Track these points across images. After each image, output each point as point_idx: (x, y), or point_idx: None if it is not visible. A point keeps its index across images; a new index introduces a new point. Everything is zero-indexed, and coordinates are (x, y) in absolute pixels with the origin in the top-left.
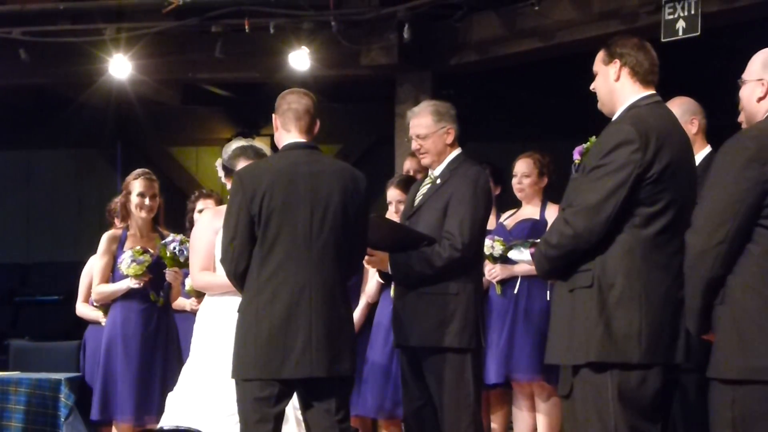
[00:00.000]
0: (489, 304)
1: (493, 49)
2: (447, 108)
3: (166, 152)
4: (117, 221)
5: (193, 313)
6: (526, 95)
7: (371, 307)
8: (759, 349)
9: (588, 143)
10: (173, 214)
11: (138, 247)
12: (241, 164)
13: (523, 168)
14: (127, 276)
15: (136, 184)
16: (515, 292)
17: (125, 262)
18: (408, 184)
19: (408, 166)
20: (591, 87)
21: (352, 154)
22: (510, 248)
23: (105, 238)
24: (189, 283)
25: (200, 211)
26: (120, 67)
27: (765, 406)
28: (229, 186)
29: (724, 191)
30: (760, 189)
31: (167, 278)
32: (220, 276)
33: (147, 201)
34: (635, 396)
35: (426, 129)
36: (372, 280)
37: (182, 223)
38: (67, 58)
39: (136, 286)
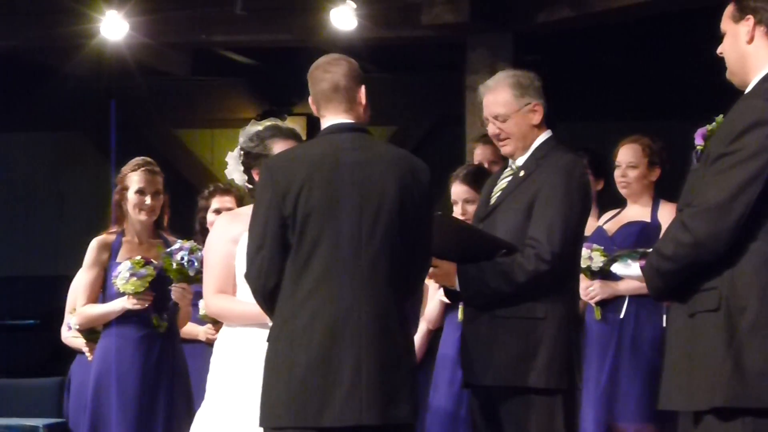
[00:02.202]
0: (586, 332)
1: (593, 1)
2: (530, 79)
3: (172, 136)
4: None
5: (208, 344)
6: (634, 62)
7: (433, 335)
8: None
9: (713, 124)
10: (181, 216)
11: (138, 258)
12: (279, 148)
13: (628, 156)
14: (122, 294)
15: (134, 178)
16: (620, 316)
17: (122, 276)
18: (478, 177)
19: (480, 154)
20: (717, 51)
21: (411, 138)
22: (613, 260)
23: (93, 245)
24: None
25: (216, 212)
26: (114, 26)
27: None
28: (243, 183)
29: None
30: None
31: (173, 297)
32: (242, 301)
33: (148, 199)
34: None
35: (505, 107)
36: (434, 299)
37: (192, 227)
38: (46, 15)
39: (137, 307)
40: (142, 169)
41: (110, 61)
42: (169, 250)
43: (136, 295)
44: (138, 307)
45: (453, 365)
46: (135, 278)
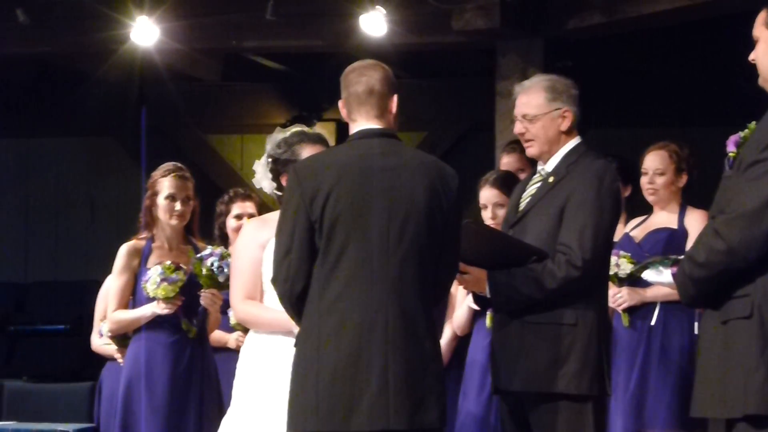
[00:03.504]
0: (615, 339)
1: (624, 7)
2: (566, 86)
3: (202, 141)
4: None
5: (237, 351)
6: (664, 68)
7: (459, 342)
8: None
9: (746, 131)
10: (211, 222)
11: (168, 263)
12: (307, 153)
13: (655, 163)
14: (153, 299)
15: (164, 183)
16: (652, 323)
17: (152, 281)
18: (508, 181)
19: (506, 163)
20: (750, 57)
21: (441, 144)
22: (644, 267)
23: (123, 251)
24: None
25: (237, 217)
26: (144, 32)
27: None
28: (272, 191)
29: None
30: None
31: (202, 302)
32: (270, 308)
33: (178, 205)
34: None
35: (535, 109)
36: (462, 305)
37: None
38: (78, 22)
39: (166, 312)
40: (173, 174)
41: (141, 66)
42: (199, 255)
43: (166, 300)
44: (168, 311)
45: (482, 371)
46: (166, 283)
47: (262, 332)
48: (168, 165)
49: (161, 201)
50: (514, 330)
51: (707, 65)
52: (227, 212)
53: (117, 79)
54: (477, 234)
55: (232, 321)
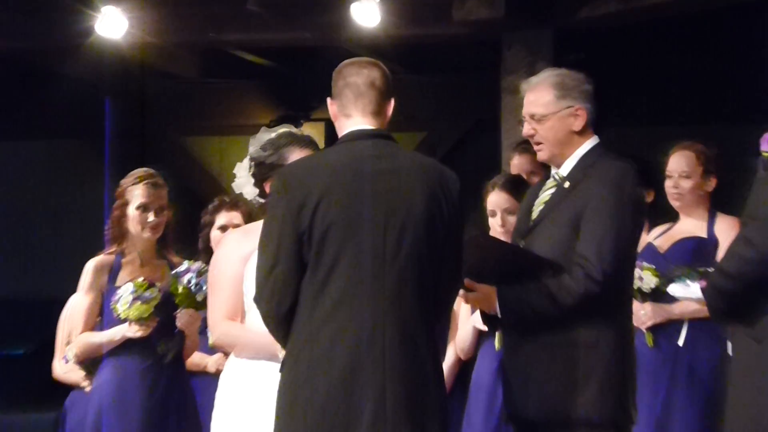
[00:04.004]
0: (638, 360)
1: None
2: (578, 80)
3: (178, 144)
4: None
5: (217, 376)
6: (688, 60)
7: (463, 365)
8: None
9: None
10: (188, 234)
11: (140, 279)
12: (295, 157)
13: (681, 165)
14: (124, 320)
15: (135, 192)
16: (679, 343)
17: (123, 300)
18: (518, 185)
19: (517, 165)
20: None
21: (441, 145)
22: (669, 280)
23: (90, 267)
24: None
25: (221, 228)
26: (112, 24)
27: None
28: (254, 196)
29: None
30: None
31: (179, 324)
32: (252, 330)
33: (151, 216)
34: None
35: (543, 108)
36: (467, 323)
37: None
38: (37, 13)
39: (139, 335)
40: (145, 181)
41: (109, 62)
42: (175, 271)
43: (139, 321)
44: (140, 334)
45: (489, 396)
46: (139, 302)
47: (243, 356)
48: (139, 171)
49: (132, 211)
50: (528, 351)
51: (734, 56)
52: (211, 223)
53: (82, 77)
54: (484, 247)
55: (211, 341)
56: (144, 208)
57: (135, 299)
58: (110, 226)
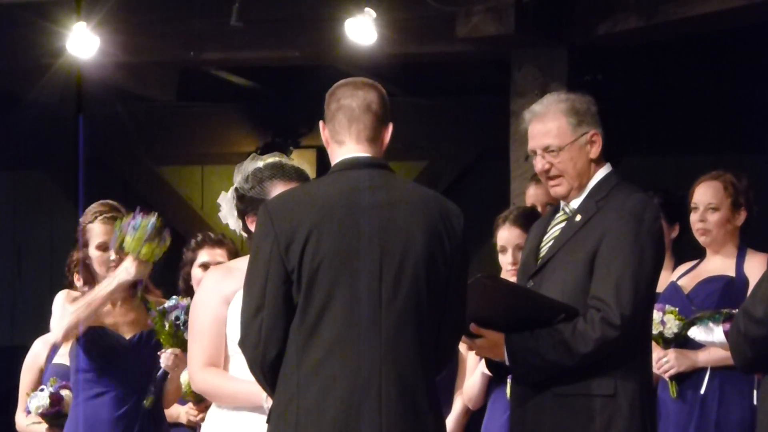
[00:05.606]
0: (661, 412)
1: (666, 8)
2: (587, 103)
3: (155, 174)
4: (78, 281)
5: (189, 428)
6: (715, 83)
7: (472, 416)
8: None
9: None
10: (166, 271)
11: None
12: (278, 191)
13: (707, 196)
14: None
15: (94, 230)
16: (702, 393)
17: (138, 234)
18: (532, 219)
19: (533, 196)
20: None
21: (444, 175)
22: (691, 323)
23: (62, 296)
24: (186, 378)
25: (203, 266)
26: (82, 42)
27: None
28: (239, 229)
29: None
30: None
31: (162, 364)
32: (236, 378)
33: (112, 254)
34: None
35: (559, 138)
36: (475, 373)
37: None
38: (2, 32)
39: (132, 277)
40: (101, 217)
41: (79, 84)
42: (161, 307)
43: (141, 263)
44: (137, 277)
45: None
46: (157, 240)
47: (225, 407)
48: (95, 206)
49: (93, 252)
50: (540, 403)
51: (765, 78)
52: (193, 260)
53: (50, 101)
54: (491, 290)
55: (184, 386)
56: (102, 247)
57: (152, 236)
58: (80, 269)
